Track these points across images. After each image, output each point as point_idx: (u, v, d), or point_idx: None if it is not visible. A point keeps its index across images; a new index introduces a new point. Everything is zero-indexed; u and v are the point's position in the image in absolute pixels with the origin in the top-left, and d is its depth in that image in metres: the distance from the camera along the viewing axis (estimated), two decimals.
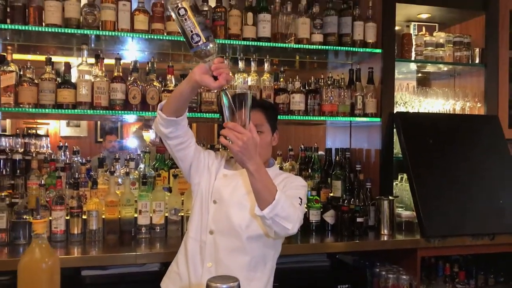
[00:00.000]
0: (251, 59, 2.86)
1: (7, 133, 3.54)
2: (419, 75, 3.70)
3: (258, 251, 1.82)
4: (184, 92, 1.63)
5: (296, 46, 2.89)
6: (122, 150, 4.76)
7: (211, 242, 1.81)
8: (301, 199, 1.77)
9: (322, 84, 3.02)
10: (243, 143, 1.47)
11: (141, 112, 2.66)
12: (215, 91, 2.62)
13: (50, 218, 2.43)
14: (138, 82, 2.66)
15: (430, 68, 3.49)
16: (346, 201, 2.80)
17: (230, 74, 1.53)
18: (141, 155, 2.94)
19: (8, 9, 2.50)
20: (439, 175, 2.88)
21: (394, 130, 3.04)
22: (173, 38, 2.68)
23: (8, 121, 5.01)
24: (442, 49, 3.29)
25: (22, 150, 2.91)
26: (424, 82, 3.73)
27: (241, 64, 2.87)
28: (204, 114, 2.75)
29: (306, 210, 2.70)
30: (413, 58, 3.24)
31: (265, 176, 1.57)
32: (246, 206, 1.78)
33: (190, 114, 2.71)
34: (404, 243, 2.71)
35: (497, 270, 2.96)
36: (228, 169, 1.93)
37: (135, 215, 2.56)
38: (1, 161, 2.68)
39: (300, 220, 1.69)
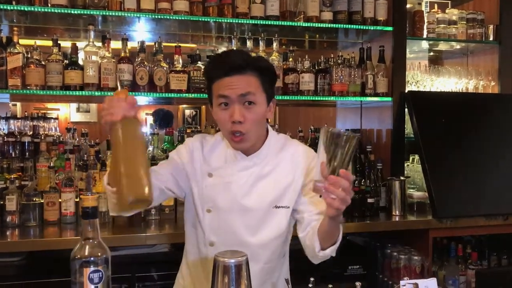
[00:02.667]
0: (260, 38, 2.81)
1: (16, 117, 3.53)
2: (431, 53, 3.62)
3: (271, 255, 1.59)
4: None
5: (305, 24, 2.83)
6: None
7: (213, 256, 1.57)
8: None
9: (332, 63, 2.96)
10: (350, 199, 1.24)
11: (148, 93, 2.63)
12: None
13: (60, 200, 2.43)
14: (146, 62, 2.63)
15: (442, 46, 3.42)
16: (356, 181, 2.76)
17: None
18: (150, 137, 2.93)
19: None
20: (451, 155, 2.83)
21: (406, 110, 2.98)
22: (180, 17, 2.64)
23: (18, 107, 5.03)
24: (455, 26, 3.21)
25: (31, 132, 2.91)
26: (436, 61, 3.66)
27: (249, 44, 2.83)
28: None
29: None
30: (425, 36, 3.17)
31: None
32: (249, 211, 1.54)
33: (198, 95, 2.69)
34: (416, 224, 2.68)
35: (510, 251, 2.92)
36: (209, 163, 1.61)
37: None
38: (10, 143, 2.69)
39: None
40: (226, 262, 1.00)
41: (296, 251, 1.78)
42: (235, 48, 2.81)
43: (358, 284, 1.25)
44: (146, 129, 5.54)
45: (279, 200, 1.55)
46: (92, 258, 0.99)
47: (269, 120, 1.76)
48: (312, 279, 1.16)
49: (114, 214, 1.48)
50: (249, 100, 1.47)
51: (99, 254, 1.01)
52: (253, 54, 2.72)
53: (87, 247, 1.00)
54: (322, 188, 1.23)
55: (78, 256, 0.99)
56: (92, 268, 0.98)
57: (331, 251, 1.41)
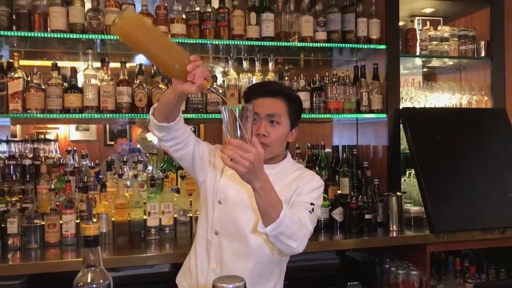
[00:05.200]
0: (256, 58, 2.87)
1: (16, 139, 3.57)
2: (425, 70, 3.68)
3: (264, 258, 1.72)
4: (170, 101, 1.55)
5: (300, 44, 2.89)
6: (132, 152, 4.80)
7: (216, 243, 1.76)
8: (313, 205, 1.67)
9: (327, 81, 3.02)
10: (249, 163, 1.35)
11: (147, 115, 2.66)
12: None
13: (60, 222, 2.46)
14: (144, 85, 2.69)
15: (435, 62, 3.48)
16: (354, 198, 2.80)
17: (206, 71, 1.42)
18: (149, 157, 2.97)
19: (14, 16, 2.53)
20: (447, 169, 2.87)
21: (401, 125, 3.03)
22: (177, 40, 2.70)
23: (18, 127, 5.06)
24: (447, 43, 3.28)
25: (31, 155, 2.95)
26: (430, 77, 3.71)
27: (245, 64, 2.88)
28: (210, 115, 2.77)
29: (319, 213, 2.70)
30: (418, 53, 3.23)
31: (271, 192, 1.47)
32: (252, 209, 1.66)
33: (196, 115, 2.73)
34: (413, 239, 2.71)
35: (508, 264, 2.94)
36: None
37: (144, 217, 2.58)
38: (11, 166, 2.72)
39: (308, 236, 1.60)
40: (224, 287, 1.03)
41: (295, 270, 1.80)
42: (232, 69, 2.86)
43: None
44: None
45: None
46: (94, 286, 1.02)
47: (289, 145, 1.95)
48: None
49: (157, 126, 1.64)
50: (275, 120, 1.72)
51: (101, 281, 1.04)
52: (247, 76, 2.82)
53: (89, 274, 1.03)
54: (225, 153, 1.36)
55: (81, 283, 1.02)
56: None
57: (271, 230, 1.47)
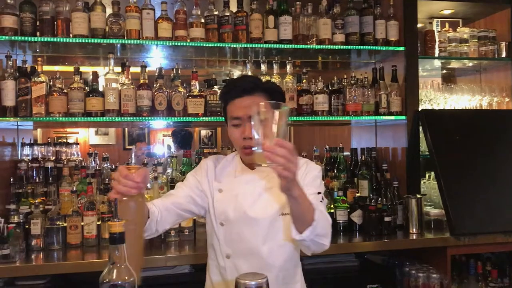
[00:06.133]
0: (273, 61, 2.89)
1: (38, 143, 3.64)
2: (444, 71, 3.65)
3: (283, 264, 1.67)
4: None
5: (318, 47, 2.89)
6: (150, 156, 4.83)
7: (230, 267, 1.67)
8: (320, 193, 1.62)
9: (345, 83, 3.02)
10: (294, 166, 1.25)
11: (167, 118, 2.71)
12: None
13: (82, 223, 2.50)
14: (164, 88, 2.72)
15: (454, 64, 3.45)
16: (373, 200, 2.79)
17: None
18: (168, 159, 3.00)
19: (37, 22, 2.59)
20: (467, 172, 2.84)
21: (420, 128, 3.01)
22: (196, 44, 2.73)
23: (39, 132, 5.16)
24: (467, 44, 3.25)
25: (53, 158, 3.00)
26: (449, 79, 3.69)
27: (263, 67, 2.90)
28: None
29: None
30: (436, 55, 3.21)
31: (306, 197, 1.39)
32: (256, 220, 1.63)
33: (214, 118, 2.75)
34: (434, 242, 2.68)
35: None
36: (219, 180, 1.75)
37: None
38: (34, 169, 2.78)
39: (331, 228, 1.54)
40: (247, 284, 1.04)
41: (314, 273, 1.79)
42: (250, 72, 2.89)
43: None
44: (164, 151, 5.64)
45: (285, 208, 1.61)
46: (119, 282, 1.04)
47: None
48: None
49: None
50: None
51: (126, 278, 1.05)
52: (265, 78, 2.80)
53: (115, 271, 1.05)
54: (268, 151, 1.23)
55: (107, 280, 1.04)
56: None
57: (308, 235, 1.40)
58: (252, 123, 1.28)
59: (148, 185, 2.76)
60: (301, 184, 1.55)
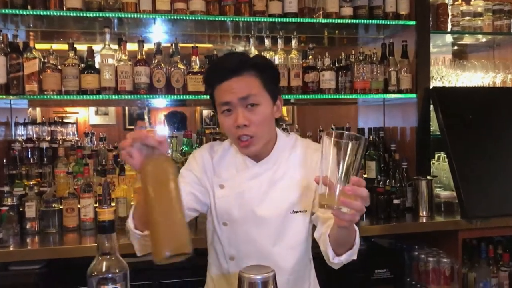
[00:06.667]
0: (278, 36, 2.74)
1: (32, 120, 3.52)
2: (455, 48, 3.50)
3: (295, 265, 1.51)
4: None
5: (325, 20, 2.74)
6: None
7: (235, 270, 1.48)
8: None
9: (353, 60, 2.87)
10: (363, 210, 1.11)
11: (166, 96, 2.58)
12: None
13: (79, 206, 2.40)
14: (162, 65, 2.59)
15: (467, 39, 3.29)
16: (381, 182, 2.68)
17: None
18: (168, 140, 2.89)
19: None
20: (480, 152, 2.72)
21: (431, 106, 2.88)
22: (196, 18, 2.59)
23: (38, 112, 5.05)
24: (481, 18, 3.09)
25: (48, 138, 2.89)
26: (460, 55, 3.53)
27: (267, 42, 2.75)
28: None
29: None
30: (449, 29, 3.05)
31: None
32: (265, 220, 1.47)
33: None
34: (445, 225, 2.58)
35: None
36: (219, 174, 1.54)
37: None
38: (29, 149, 2.67)
39: None
40: (252, 278, 0.93)
41: (321, 258, 1.69)
42: (253, 49, 2.75)
43: None
44: (165, 131, 5.53)
45: (296, 205, 1.47)
46: (110, 275, 0.94)
47: (286, 119, 1.68)
48: None
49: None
50: (251, 103, 1.42)
51: (117, 270, 0.95)
52: (269, 54, 2.64)
53: (104, 263, 0.95)
54: (337, 204, 1.07)
55: (95, 272, 0.94)
56: (110, 286, 0.93)
57: (347, 258, 1.31)
58: (322, 157, 1.09)
59: None
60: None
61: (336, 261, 1.31)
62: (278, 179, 1.49)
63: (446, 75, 3.07)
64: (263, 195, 1.48)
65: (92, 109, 6.29)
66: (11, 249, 2.13)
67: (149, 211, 1.01)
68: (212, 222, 1.55)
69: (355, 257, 1.35)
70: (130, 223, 1.31)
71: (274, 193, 1.48)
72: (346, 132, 1.09)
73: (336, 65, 2.94)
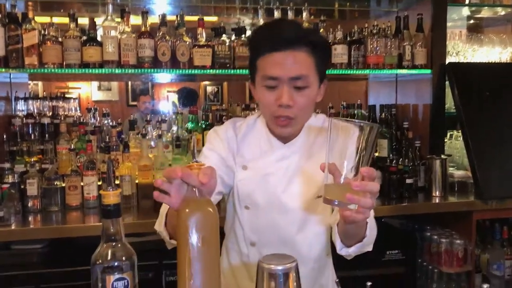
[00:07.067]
0: (288, 8, 2.61)
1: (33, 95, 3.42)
2: (471, 22, 3.35)
3: (320, 252, 1.41)
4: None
5: None
6: (154, 114, 4.64)
7: (255, 255, 1.39)
8: None
9: (366, 34, 2.75)
10: (373, 205, 1.01)
11: (171, 70, 2.48)
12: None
13: (82, 184, 2.33)
14: (167, 37, 2.47)
15: (485, 12, 3.15)
16: (393, 161, 2.59)
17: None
18: (174, 116, 2.80)
19: None
20: (497, 130, 2.62)
21: (446, 83, 2.77)
22: None
23: (40, 87, 4.96)
24: None
25: (50, 113, 2.80)
26: (476, 30, 3.39)
27: (276, 14, 2.63)
28: (238, 70, 2.55)
29: None
30: (467, 2, 2.91)
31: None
32: (290, 207, 1.36)
33: (223, 71, 2.52)
34: (459, 206, 2.50)
35: None
36: (242, 154, 1.41)
37: None
38: (30, 125, 2.59)
39: None
40: (272, 269, 0.85)
41: None
42: (261, 21, 2.63)
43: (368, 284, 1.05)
44: (169, 108, 5.44)
45: (321, 189, 1.35)
46: (116, 263, 0.86)
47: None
48: (369, 283, 0.99)
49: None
50: (301, 85, 1.27)
51: (124, 258, 0.87)
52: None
53: (109, 250, 0.87)
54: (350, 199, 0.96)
55: (100, 260, 0.86)
56: (116, 276, 0.85)
57: (355, 250, 1.21)
58: (328, 144, 0.99)
59: (152, 143, 2.57)
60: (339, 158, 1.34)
61: (343, 252, 1.24)
62: (305, 163, 1.38)
63: (462, 50, 2.95)
64: (289, 180, 1.37)
65: (95, 84, 6.18)
66: (13, 228, 2.07)
67: (180, 259, 0.89)
68: (233, 204, 1.43)
69: (369, 249, 1.26)
70: (163, 232, 1.20)
71: (300, 178, 1.37)
72: (357, 120, 0.99)
73: (348, 38, 2.82)
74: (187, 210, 0.88)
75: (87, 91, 6.19)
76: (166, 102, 6.10)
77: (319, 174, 1.31)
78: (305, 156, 1.38)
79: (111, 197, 0.86)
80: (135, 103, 5.77)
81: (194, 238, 0.87)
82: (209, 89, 6.47)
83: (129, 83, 6.17)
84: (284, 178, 1.36)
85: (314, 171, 1.33)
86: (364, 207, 0.99)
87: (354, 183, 0.96)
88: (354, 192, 0.96)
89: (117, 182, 2.36)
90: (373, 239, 1.24)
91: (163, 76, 2.88)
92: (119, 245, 0.87)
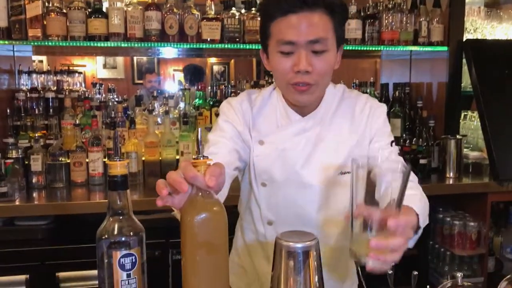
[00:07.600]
0: None
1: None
2: None
3: (342, 231, 1.30)
4: None
5: None
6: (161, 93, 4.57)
7: (272, 235, 1.28)
8: (393, 141, 1.29)
9: (381, 8, 2.64)
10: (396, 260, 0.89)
11: (179, 44, 2.39)
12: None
13: (87, 160, 2.28)
14: (175, 9, 2.38)
15: None
16: (407, 141, 2.51)
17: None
18: (180, 93, 2.72)
19: None
20: None
21: (463, 61, 2.67)
22: None
23: (45, 63, 4.88)
24: None
25: (54, 88, 2.73)
26: (495, 6, 3.26)
27: None
28: (248, 45, 2.46)
29: None
30: None
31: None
32: (310, 183, 1.27)
33: (232, 45, 2.44)
34: (474, 187, 2.43)
35: None
36: (258, 128, 1.31)
37: (177, 157, 2.37)
38: (34, 100, 2.52)
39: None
40: (291, 247, 0.78)
41: None
42: None
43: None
44: (175, 85, 5.36)
45: (345, 165, 1.26)
46: (123, 238, 0.80)
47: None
48: (415, 272, 0.90)
49: None
50: (320, 49, 1.16)
51: (131, 233, 0.81)
52: None
53: (116, 224, 0.80)
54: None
55: (106, 235, 0.80)
56: (123, 252, 0.79)
57: (411, 243, 1.03)
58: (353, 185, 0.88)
59: (159, 120, 2.50)
60: (372, 134, 1.28)
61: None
62: (325, 137, 1.29)
63: (480, 27, 2.84)
64: (309, 155, 1.28)
65: (100, 62, 6.10)
66: (17, 203, 2.03)
67: (185, 267, 0.82)
68: (249, 181, 1.34)
69: (426, 222, 1.12)
70: (177, 215, 1.05)
71: (321, 153, 1.28)
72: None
73: (362, 13, 2.71)
74: (191, 212, 0.80)
75: (92, 68, 6.11)
76: (172, 81, 6.01)
77: (342, 148, 1.23)
78: (325, 130, 1.29)
79: (118, 168, 0.80)
80: (141, 81, 5.70)
81: (200, 245, 0.80)
82: (215, 68, 6.37)
83: (135, 60, 6.08)
84: (303, 153, 1.28)
85: (336, 146, 1.27)
86: (387, 263, 0.88)
87: (376, 243, 0.85)
88: (377, 252, 0.85)
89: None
90: (426, 217, 1.10)
91: (170, 51, 2.79)
92: (127, 219, 0.81)
